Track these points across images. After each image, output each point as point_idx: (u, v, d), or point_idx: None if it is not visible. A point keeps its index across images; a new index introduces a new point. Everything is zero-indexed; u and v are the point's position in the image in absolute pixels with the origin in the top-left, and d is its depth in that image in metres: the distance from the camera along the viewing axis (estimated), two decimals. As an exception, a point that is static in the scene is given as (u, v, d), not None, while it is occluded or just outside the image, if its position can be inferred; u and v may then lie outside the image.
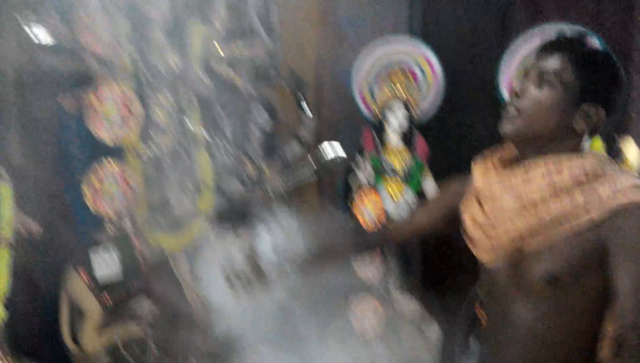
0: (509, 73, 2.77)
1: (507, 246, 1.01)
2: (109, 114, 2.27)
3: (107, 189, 2.25)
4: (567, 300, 0.96)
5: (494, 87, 2.82)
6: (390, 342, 2.54)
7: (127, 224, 2.27)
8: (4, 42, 2.06)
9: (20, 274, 1.93)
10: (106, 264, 2.17)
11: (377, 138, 2.83)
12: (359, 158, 2.70)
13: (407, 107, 2.81)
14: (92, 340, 2.08)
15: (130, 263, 2.24)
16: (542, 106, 1.00)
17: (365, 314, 2.50)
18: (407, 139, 2.85)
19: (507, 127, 1.04)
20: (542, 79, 1.01)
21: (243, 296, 1.19)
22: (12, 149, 2.10)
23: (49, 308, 2.11)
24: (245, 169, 2.61)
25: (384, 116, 2.84)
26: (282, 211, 1.48)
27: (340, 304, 2.44)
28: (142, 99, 2.42)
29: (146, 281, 2.31)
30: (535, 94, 1.01)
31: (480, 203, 1.06)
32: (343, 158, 2.65)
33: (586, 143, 1.04)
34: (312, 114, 2.86)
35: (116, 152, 2.30)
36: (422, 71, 2.99)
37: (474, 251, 1.09)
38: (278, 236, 1.34)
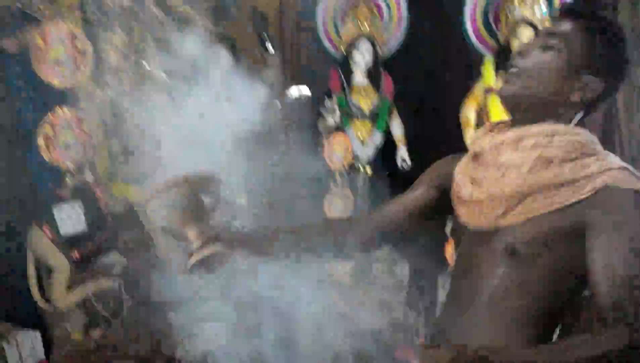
0: (473, 7, 2.72)
1: (488, 210, 0.99)
2: (57, 55, 2.10)
3: (62, 139, 2.14)
4: (530, 271, 0.97)
5: (458, 22, 2.77)
6: (362, 283, 2.62)
7: (89, 175, 2.19)
8: None
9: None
10: (70, 219, 2.10)
11: (343, 78, 2.76)
12: (327, 101, 2.64)
13: (372, 44, 2.73)
14: (63, 296, 2.06)
15: (95, 215, 2.18)
16: (544, 68, 0.98)
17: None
18: (373, 77, 2.79)
19: (505, 88, 1.01)
20: (549, 41, 0.99)
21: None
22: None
23: (17, 267, 2.06)
24: (209, 115, 2.51)
25: (350, 54, 2.75)
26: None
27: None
28: (92, 38, 2.25)
29: (114, 233, 2.27)
30: (539, 55, 0.99)
31: (472, 163, 1.04)
32: (308, 96, 2.60)
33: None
34: (276, 53, 2.75)
35: (69, 98, 2.17)
36: (387, 4, 2.89)
37: (457, 209, 1.07)
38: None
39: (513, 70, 1.00)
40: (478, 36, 2.79)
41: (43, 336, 2.13)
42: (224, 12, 2.81)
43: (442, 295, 2.55)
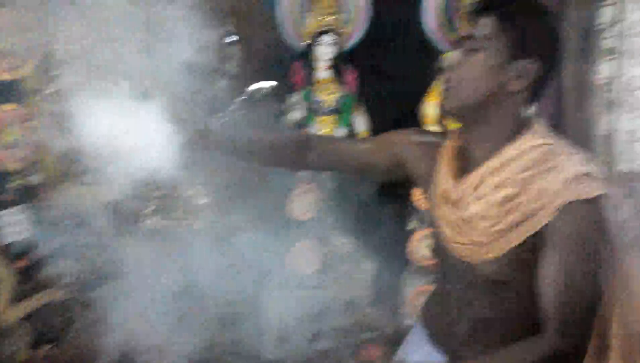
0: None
1: (469, 252, 1.03)
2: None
3: (6, 138, 1.97)
4: (510, 293, 1.00)
5: (419, 17, 2.78)
6: (327, 281, 2.60)
7: (36, 177, 2.03)
8: None
9: None
10: (15, 225, 1.94)
11: (306, 72, 2.71)
12: (291, 97, 2.58)
13: (335, 37, 2.70)
14: (7, 311, 1.89)
15: (42, 220, 2.02)
16: (473, 72, 0.97)
17: (303, 256, 2.52)
18: (336, 71, 2.76)
19: (445, 104, 1.02)
20: (470, 45, 0.98)
21: None
22: None
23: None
24: (167, 109, 2.39)
25: (313, 47, 2.70)
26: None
27: (278, 249, 2.43)
28: (36, 26, 2.08)
29: (63, 239, 2.12)
30: (466, 62, 0.99)
31: (446, 206, 1.06)
32: (271, 87, 2.53)
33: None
34: (237, 45, 2.65)
35: (14, 93, 2.00)
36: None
37: (440, 227, 1.10)
38: None
39: (447, 85, 1.01)
40: (438, 32, 2.81)
41: (-14, 354, 1.97)
42: (180, 2, 2.68)
43: (406, 292, 2.58)
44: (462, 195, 1.02)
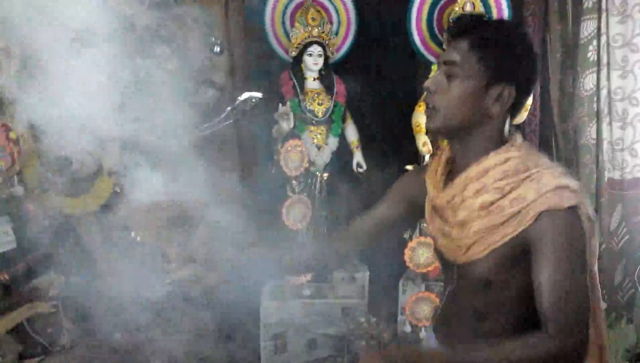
0: (418, 15, 2.79)
1: (458, 253, 1.08)
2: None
3: (-15, 148, 1.90)
4: (502, 292, 1.05)
5: (405, 29, 2.82)
6: (323, 290, 2.57)
7: (18, 188, 1.96)
8: None
9: None
10: (-3, 237, 1.87)
11: (295, 82, 2.71)
12: (280, 107, 2.57)
13: (323, 48, 2.71)
14: (-8, 324, 1.81)
15: (26, 232, 1.95)
16: (454, 99, 1.02)
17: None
18: (325, 81, 2.76)
19: (430, 124, 1.07)
20: (448, 71, 1.02)
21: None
22: None
23: None
24: (154, 119, 2.35)
25: (301, 58, 2.71)
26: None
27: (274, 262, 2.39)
28: (15, 33, 2.03)
29: (48, 250, 2.04)
30: (445, 88, 1.02)
31: (437, 216, 1.13)
32: (258, 98, 2.52)
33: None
34: (224, 56, 2.64)
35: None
36: (335, 9, 2.88)
37: (436, 239, 1.16)
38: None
39: (431, 106, 1.05)
40: (424, 45, 2.86)
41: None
42: (166, 12, 2.66)
43: (402, 300, 2.57)
44: (445, 203, 1.08)
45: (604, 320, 1.04)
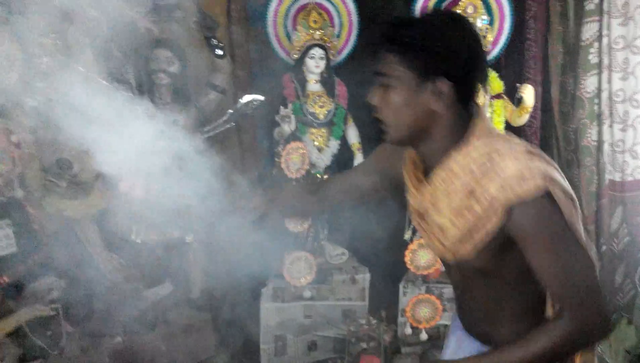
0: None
1: (449, 255, 1.08)
2: (-22, 59, 1.88)
3: (-13, 151, 1.90)
4: (500, 277, 1.07)
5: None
6: (324, 292, 2.57)
7: (18, 191, 1.96)
8: None
9: None
10: (-2, 240, 1.87)
11: (297, 85, 2.71)
12: (282, 109, 2.57)
13: (325, 50, 2.70)
14: (-8, 327, 1.81)
15: (26, 235, 1.95)
16: (395, 109, 1.01)
17: (299, 268, 2.49)
18: (326, 84, 2.76)
19: (387, 137, 1.06)
20: (382, 83, 1.01)
21: None
22: None
23: None
24: (156, 121, 2.34)
25: (303, 61, 2.71)
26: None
27: (274, 262, 2.39)
28: (17, 38, 2.04)
29: (48, 254, 2.04)
30: (384, 100, 1.02)
31: (418, 218, 1.13)
32: (260, 100, 2.52)
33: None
34: (226, 58, 2.63)
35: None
36: (337, 11, 2.88)
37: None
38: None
39: (381, 121, 1.05)
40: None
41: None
42: (168, 15, 2.66)
43: (403, 302, 2.56)
44: (423, 207, 1.08)
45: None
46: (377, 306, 2.58)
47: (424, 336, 2.52)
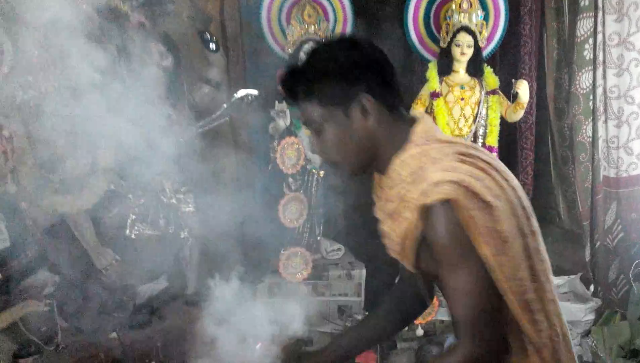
0: (414, 14, 2.78)
1: (399, 258, 1.07)
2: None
3: (-22, 146, 1.88)
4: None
5: (402, 26, 2.81)
6: (320, 287, 2.56)
7: (11, 186, 1.94)
8: None
9: None
10: (-10, 235, 1.85)
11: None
12: (277, 104, 2.55)
13: (319, 44, 2.69)
14: (-14, 323, 1.79)
15: (20, 230, 1.93)
16: (334, 147, 1.02)
17: (295, 264, 2.49)
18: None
19: (346, 175, 1.09)
20: (312, 130, 1.04)
21: None
22: None
23: None
24: (150, 116, 2.32)
25: (297, 55, 2.69)
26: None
27: (270, 258, 2.39)
28: (10, 34, 2.01)
29: (42, 249, 2.02)
30: (323, 144, 1.04)
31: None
32: (254, 95, 2.50)
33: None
34: (220, 52, 2.62)
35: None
36: (332, 6, 2.87)
37: None
38: None
39: (329, 161, 1.07)
40: (421, 42, 2.86)
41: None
42: (161, 8, 2.63)
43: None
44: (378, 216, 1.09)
45: (554, 310, 1.01)
46: (373, 301, 2.58)
47: (419, 332, 2.53)
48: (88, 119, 2.25)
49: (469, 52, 2.65)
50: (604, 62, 2.66)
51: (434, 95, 2.71)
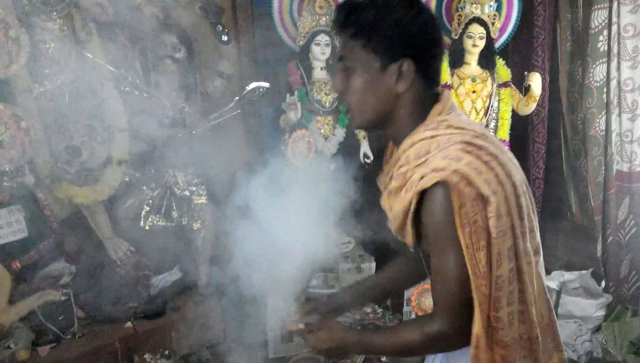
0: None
1: (397, 233, 1.09)
2: (-16, 43, 1.88)
3: (-4, 138, 1.91)
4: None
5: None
6: (330, 280, 2.57)
7: (29, 177, 1.97)
8: None
9: None
10: (9, 225, 1.88)
11: (303, 72, 2.69)
12: (288, 96, 2.55)
13: (330, 35, 2.68)
14: (5, 311, 1.83)
15: (37, 221, 1.96)
16: (357, 93, 1.01)
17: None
18: (332, 70, 2.75)
19: (353, 124, 1.08)
20: (344, 67, 1.02)
21: None
22: None
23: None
24: (163, 108, 2.35)
25: (309, 48, 2.69)
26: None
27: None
28: (26, 25, 2.03)
29: (59, 239, 2.06)
30: (348, 81, 1.02)
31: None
32: (266, 87, 2.50)
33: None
34: (232, 45, 2.62)
35: (3, 92, 1.94)
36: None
37: None
38: None
39: (346, 106, 1.05)
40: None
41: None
42: (174, 1, 2.64)
43: (408, 291, 2.58)
44: (382, 186, 1.11)
45: (534, 312, 1.02)
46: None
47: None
48: (103, 111, 2.27)
49: (481, 43, 2.63)
50: (618, 54, 2.62)
51: (445, 87, 2.70)
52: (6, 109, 1.94)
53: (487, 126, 2.73)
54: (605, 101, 2.71)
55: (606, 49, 2.66)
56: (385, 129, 1.05)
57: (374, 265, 2.67)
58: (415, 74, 0.99)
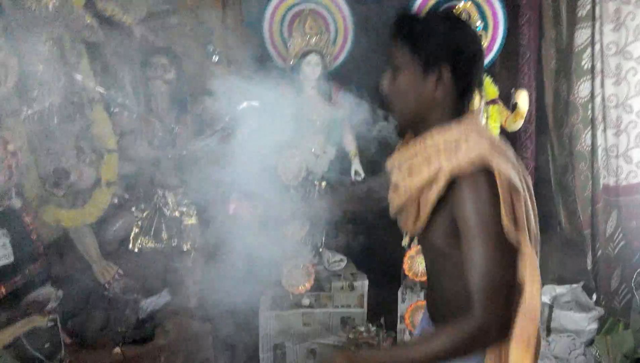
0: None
1: (402, 220, 1.16)
2: (-27, 67, 1.86)
3: (-18, 160, 1.88)
4: (459, 265, 1.07)
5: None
6: (322, 299, 2.56)
7: (15, 200, 1.94)
8: None
9: None
10: (-5, 250, 1.85)
11: (293, 92, 2.70)
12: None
13: (320, 55, 2.71)
14: (-9, 339, 1.78)
15: (24, 245, 1.93)
16: (400, 91, 1.11)
17: (297, 275, 2.48)
18: (322, 89, 2.76)
19: (395, 120, 1.17)
20: (393, 68, 1.12)
21: None
22: None
23: None
24: (153, 129, 2.34)
25: (299, 67, 2.71)
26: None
27: (273, 271, 2.38)
28: (13, 46, 2.02)
29: (45, 264, 2.02)
30: (393, 84, 1.12)
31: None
32: (257, 107, 2.51)
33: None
34: (222, 65, 2.63)
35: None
36: (332, 18, 2.89)
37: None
38: None
39: (390, 104, 1.14)
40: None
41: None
42: (164, 21, 2.65)
43: (402, 309, 2.57)
44: (392, 165, 1.18)
45: (520, 311, 1.04)
46: (376, 313, 2.58)
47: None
48: (92, 132, 2.26)
49: (469, 63, 2.67)
50: (602, 71, 2.68)
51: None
52: (-7, 132, 1.92)
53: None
54: (590, 116, 2.76)
55: (590, 66, 2.72)
56: (419, 130, 1.13)
57: (367, 283, 2.65)
58: (452, 83, 1.09)
